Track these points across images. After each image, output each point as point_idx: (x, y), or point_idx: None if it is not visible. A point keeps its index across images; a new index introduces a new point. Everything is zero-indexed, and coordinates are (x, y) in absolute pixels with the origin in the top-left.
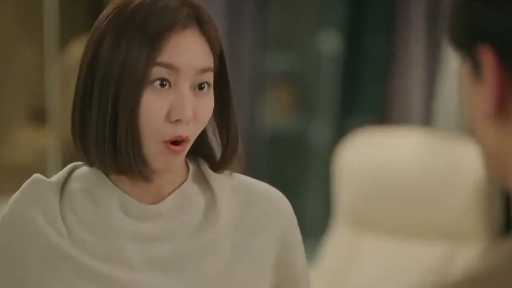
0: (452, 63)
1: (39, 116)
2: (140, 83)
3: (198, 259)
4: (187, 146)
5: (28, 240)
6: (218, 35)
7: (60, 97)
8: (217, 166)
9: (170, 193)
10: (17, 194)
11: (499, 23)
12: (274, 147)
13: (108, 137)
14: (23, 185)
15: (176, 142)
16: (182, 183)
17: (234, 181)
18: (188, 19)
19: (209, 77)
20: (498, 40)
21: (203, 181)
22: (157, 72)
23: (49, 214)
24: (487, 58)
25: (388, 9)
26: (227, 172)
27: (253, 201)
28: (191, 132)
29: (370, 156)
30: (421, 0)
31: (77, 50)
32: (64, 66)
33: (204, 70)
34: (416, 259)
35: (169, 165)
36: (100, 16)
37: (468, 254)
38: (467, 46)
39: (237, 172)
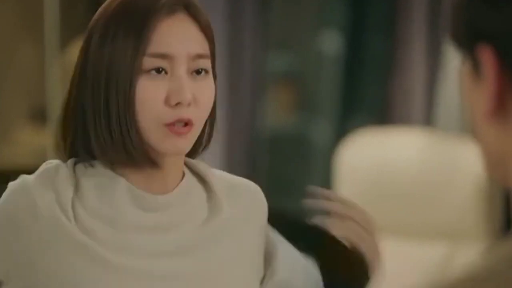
0: (453, 63)
1: (39, 116)
2: (130, 74)
3: (206, 248)
4: (194, 131)
5: (36, 221)
6: (209, 20)
7: (61, 97)
8: (193, 151)
9: (175, 185)
10: (35, 174)
11: (499, 23)
12: (274, 147)
13: (104, 129)
14: (43, 168)
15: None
16: (183, 176)
17: (218, 174)
18: (174, 3)
19: (206, 63)
20: (498, 40)
21: (196, 174)
22: (150, 62)
23: (63, 202)
24: (487, 57)
25: (389, 9)
26: (207, 166)
27: (239, 195)
28: (193, 115)
29: (371, 156)
30: (422, 0)
31: (77, 50)
32: (64, 66)
33: (199, 56)
34: (416, 259)
35: (176, 148)
36: (93, 17)
37: (468, 254)
38: (467, 45)
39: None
